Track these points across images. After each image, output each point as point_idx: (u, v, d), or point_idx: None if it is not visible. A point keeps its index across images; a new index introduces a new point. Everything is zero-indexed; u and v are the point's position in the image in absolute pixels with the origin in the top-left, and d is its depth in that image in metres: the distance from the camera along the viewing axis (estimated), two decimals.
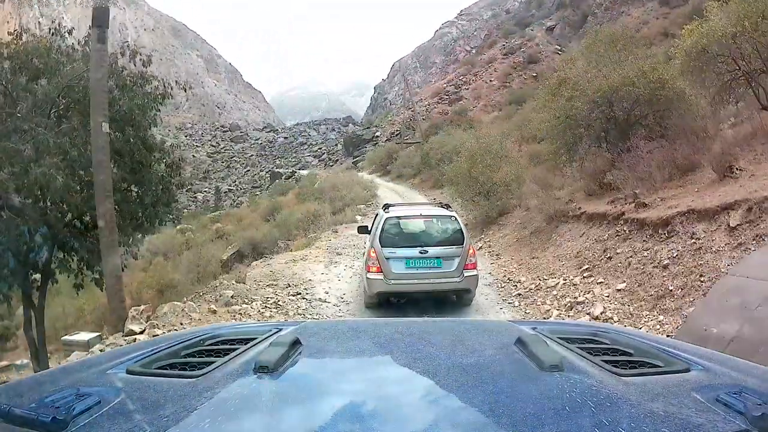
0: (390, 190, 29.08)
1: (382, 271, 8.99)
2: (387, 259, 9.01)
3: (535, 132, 19.84)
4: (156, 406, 1.11)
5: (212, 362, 1.35)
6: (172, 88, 11.67)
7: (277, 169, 79.56)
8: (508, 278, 11.81)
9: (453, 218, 9.68)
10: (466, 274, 9.15)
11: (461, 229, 9.50)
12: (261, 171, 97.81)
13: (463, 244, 9.29)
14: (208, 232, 32.27)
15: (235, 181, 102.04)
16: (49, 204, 9.89)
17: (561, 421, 1.01)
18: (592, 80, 13.46)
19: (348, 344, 1.69)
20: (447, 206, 10.56)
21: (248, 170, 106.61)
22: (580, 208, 12.77)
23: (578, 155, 14.59)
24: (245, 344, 1.53)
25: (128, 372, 1.34)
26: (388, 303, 9.61)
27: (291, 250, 16.80)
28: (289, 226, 21.66)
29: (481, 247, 15.67)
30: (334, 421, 1.05)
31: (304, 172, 55.19)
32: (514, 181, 17.02)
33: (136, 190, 11.30)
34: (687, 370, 1.30)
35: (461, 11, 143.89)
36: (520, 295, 10.44)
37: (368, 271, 9.20)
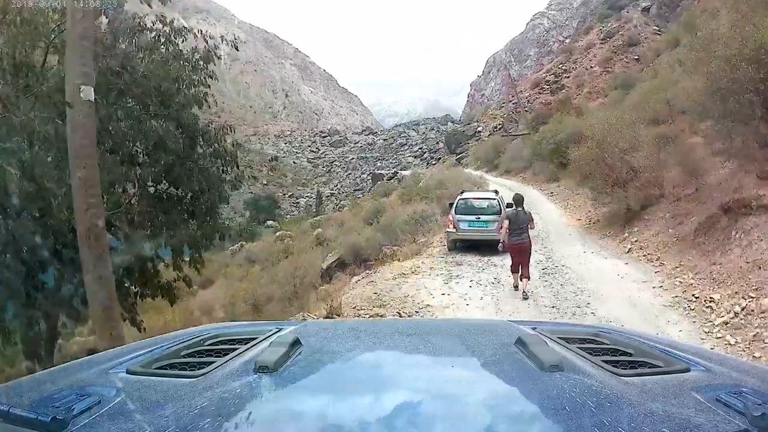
0: (501, 186, 26.25)
1: (455, 227, 14.04)
2: (458, 221, 14.04)
3: (654, 112, 18.11)
4: (156, 406, 1.08)
5: (212, 362, 1.32)
6: (216, 48, 8.66)
7: (379, 171, 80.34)
8: (692, 295, 8.69)
9: (496, 199, 14.54)
10: (501, 233, 11.16)
11: (500, 205, 14.08)
12: (362, 174, 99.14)
13: (500, 215, 13.40)
14: (309, 238, 30.84)
15: (336, 185, 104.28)
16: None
17: (561, 421, 1.00)
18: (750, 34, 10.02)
19: (348, 344, 1.65)
20: (495, 192, 15.78)
21: (349, 174, 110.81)
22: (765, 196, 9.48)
23: (739, 130, 11.04)
24: (245, 344, 1.50)
25: (128, 372, 1.32)
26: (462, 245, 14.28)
27: (398, 260, 14.18)
28: (395, 230, 19.13)
29: (629, 249, 12.65)
30: (335, 421, 1.04)
31: (406, 173, 53.55)
32: (654, 168, 14.15)
33: (177, 193, 8.44)
34: (687, 370, 1.28)
35: (551, 1, 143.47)
36: (726, 324, 7.33)
37: (447, 228, 14.57)
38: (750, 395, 1.03)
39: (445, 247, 15.60)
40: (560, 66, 60.07)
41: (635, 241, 13.08)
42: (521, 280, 9.80)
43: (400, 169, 73.29)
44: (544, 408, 1.06)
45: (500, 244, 10.89)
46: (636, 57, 48.13)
